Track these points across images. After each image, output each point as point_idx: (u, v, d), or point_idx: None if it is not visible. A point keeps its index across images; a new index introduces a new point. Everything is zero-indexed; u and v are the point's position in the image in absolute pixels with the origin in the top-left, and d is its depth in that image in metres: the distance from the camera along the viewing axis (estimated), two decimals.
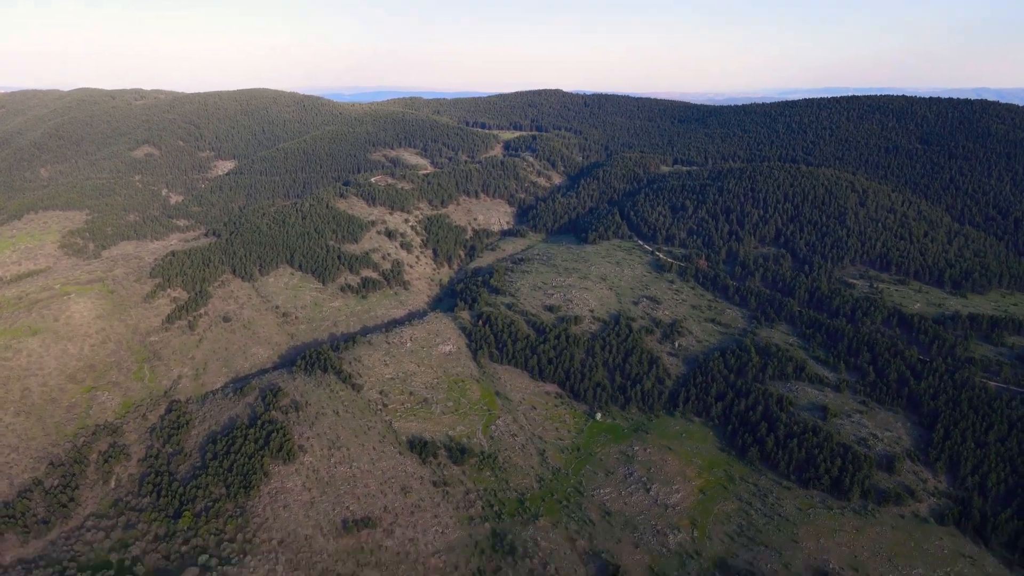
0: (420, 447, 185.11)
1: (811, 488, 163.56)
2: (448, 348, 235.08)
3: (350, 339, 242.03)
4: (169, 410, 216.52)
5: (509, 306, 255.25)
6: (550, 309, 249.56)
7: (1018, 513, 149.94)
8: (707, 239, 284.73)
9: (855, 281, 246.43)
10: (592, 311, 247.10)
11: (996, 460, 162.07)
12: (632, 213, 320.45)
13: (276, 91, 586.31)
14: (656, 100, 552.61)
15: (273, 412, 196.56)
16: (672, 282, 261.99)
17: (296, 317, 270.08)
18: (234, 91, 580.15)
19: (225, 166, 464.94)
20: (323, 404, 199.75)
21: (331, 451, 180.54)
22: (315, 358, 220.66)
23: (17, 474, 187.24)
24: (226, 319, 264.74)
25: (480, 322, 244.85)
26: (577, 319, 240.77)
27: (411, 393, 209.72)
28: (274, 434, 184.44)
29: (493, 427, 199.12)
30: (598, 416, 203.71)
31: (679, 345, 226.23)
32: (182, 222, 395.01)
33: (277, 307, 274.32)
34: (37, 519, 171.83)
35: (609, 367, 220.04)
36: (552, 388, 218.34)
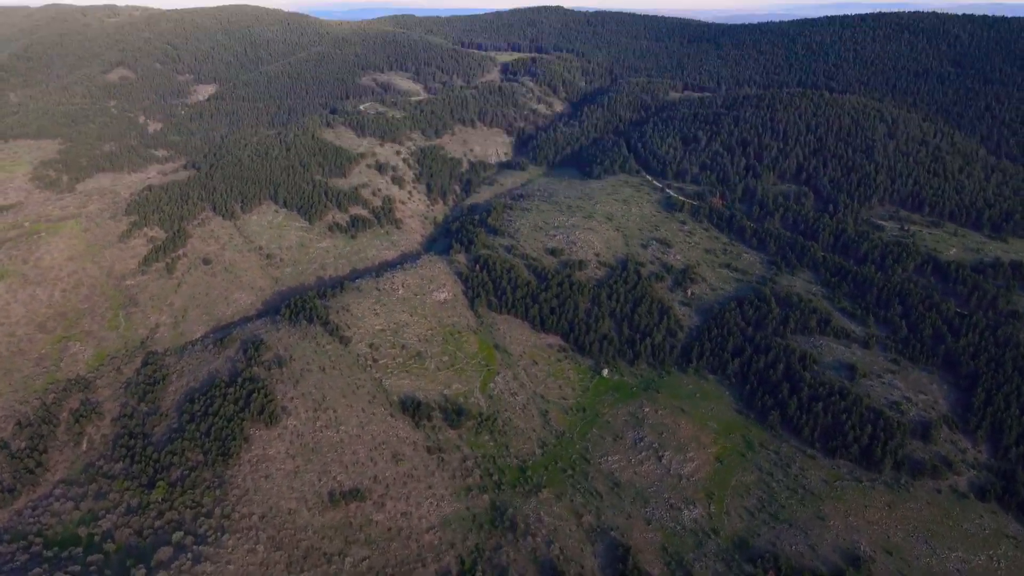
0: (413, 408, 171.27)
1: (838, 458, 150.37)
2: (443, 295, 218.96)
3: (338, 284, 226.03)
4: (145, 363, 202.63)
5: (508, 249, 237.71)
6: (552, 252, 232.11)
7: None
8: (722, 175, 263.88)
9: (884, 223, 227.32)
10: (598, 255, 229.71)
11: None
12: (640, 145, 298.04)
13: (259, 7, 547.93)
14: (664, 18, 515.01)
15: (255, 368, 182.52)
16: (684, 223, 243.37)
17: (281, 259, 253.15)
18: (214, 7, 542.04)
19: (206, 91, 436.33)
20: (308, 359, 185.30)
21: (317, 413, 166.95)
22: (300, 306, 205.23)
23: None
24: (206, 261, 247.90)
25: (477, 267, 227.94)
26: (581, 264, 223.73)
27: (403, 346, 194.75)
28: (255, 394, 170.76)
29: (492, 384, 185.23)
30: (604, 372, 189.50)
31: (692, 294, 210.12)
32: (161, 152, 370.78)
33: (260, 248, 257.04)
34: (3, 487, 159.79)
35: (616, 318, 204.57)
36: (555, 340, 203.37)
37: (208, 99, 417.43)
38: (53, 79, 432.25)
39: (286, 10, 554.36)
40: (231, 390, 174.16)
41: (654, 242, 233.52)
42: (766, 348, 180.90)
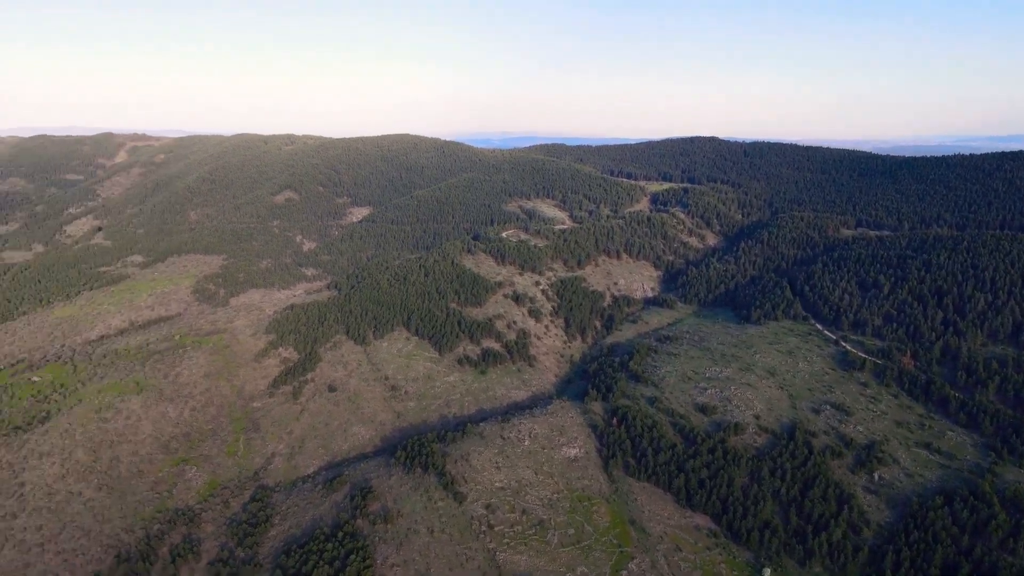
0: None
1: None
2: (574, 451, 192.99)
3: (461, 425, 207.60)
4: (254, 498, 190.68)
5: (651, 401, 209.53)
6: (702, 410, 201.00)
7: None
8: (912, 329, 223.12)
9: None
10: (757, 417, 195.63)
11: None
12: (807, 288, 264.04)
13: (418, 136, 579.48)
14: (829, 149, 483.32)
15: (359, 521, 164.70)
16: (865, 385, 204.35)
17: (406, 392, 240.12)
18: (377, 136, 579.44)
19: (360, 212, 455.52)
20: (417, 516, 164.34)
21: None
22: (417, 450, 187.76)
23: (81, 566, 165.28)
24: (331, 388, 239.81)
25: (615, 420, 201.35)
26: (738, 427, 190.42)
27: (524, 511, 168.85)
28: (353, 555, 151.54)
29: (624, 573, 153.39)
30: (767, 573, 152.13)
31: (880, 479, 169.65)
32: (310, 271, 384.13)
33: (387, 378, 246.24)
34: None
35: (781, 500, 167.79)
36: (703, 521, 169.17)
37: (361, 221, 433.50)
38: (229, 199, 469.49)
39: (446, 138, 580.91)
40: (329, 545, 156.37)
41: (828, 406, 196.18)
42: (992, 569, 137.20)
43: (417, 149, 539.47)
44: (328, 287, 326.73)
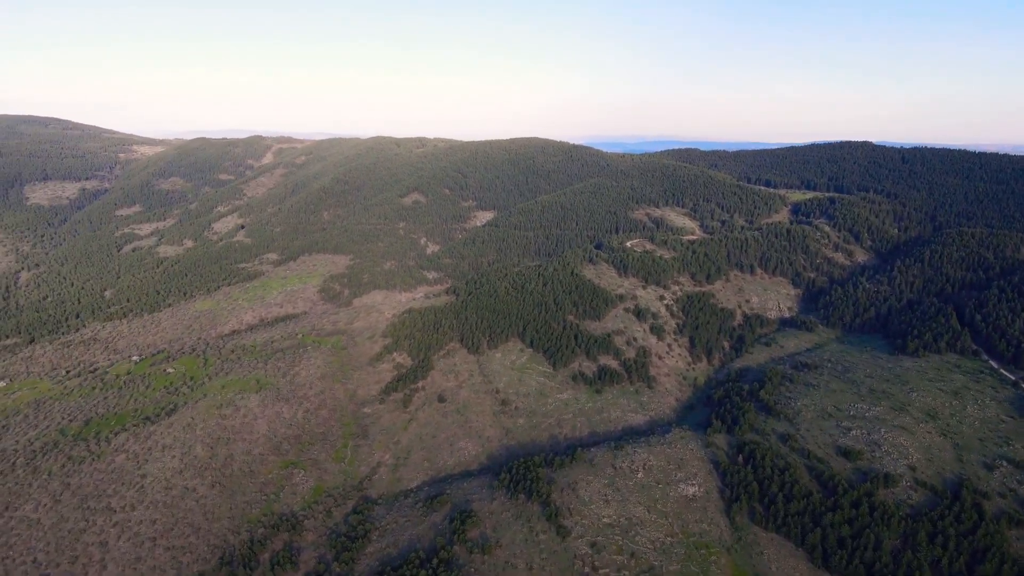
0: None
1: None
2: (692, 489, 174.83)
3: (572, 449, 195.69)
4: (355, 510, 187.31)
5: (784, 438, 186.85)
6: (845, 454, 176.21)
7: None
8: None
9: None
10: (913, 468, 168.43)
11: None
12: (978, 317, 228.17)
13: (545, 140, 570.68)
14: (1009, 156, 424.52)
15: (456, 547, 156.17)
16: None
17: (516, 407, 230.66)
18: (506, 140, 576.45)
19: (484, 216, 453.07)
20: (517, 549, 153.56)
21: None
22: (522, 474, 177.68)
23: (188, 564, 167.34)
24: (441, 399, 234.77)
25: (740, 457, 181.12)
26: (889, 479, 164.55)
27: (633, 554, 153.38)
28: None
29: None
30: None
31: None
32: (432, 274, 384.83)
33: (497, 391, 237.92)
34: None
35: (942, 572, 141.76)
36: None
37: (484, 225, 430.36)
38: (360, 201, 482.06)
39: (572, 142, 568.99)
40: (423, 572, 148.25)
41: (1004, 462, 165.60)
42: None
43: (544, 153, 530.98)
44: (447, 292, 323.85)
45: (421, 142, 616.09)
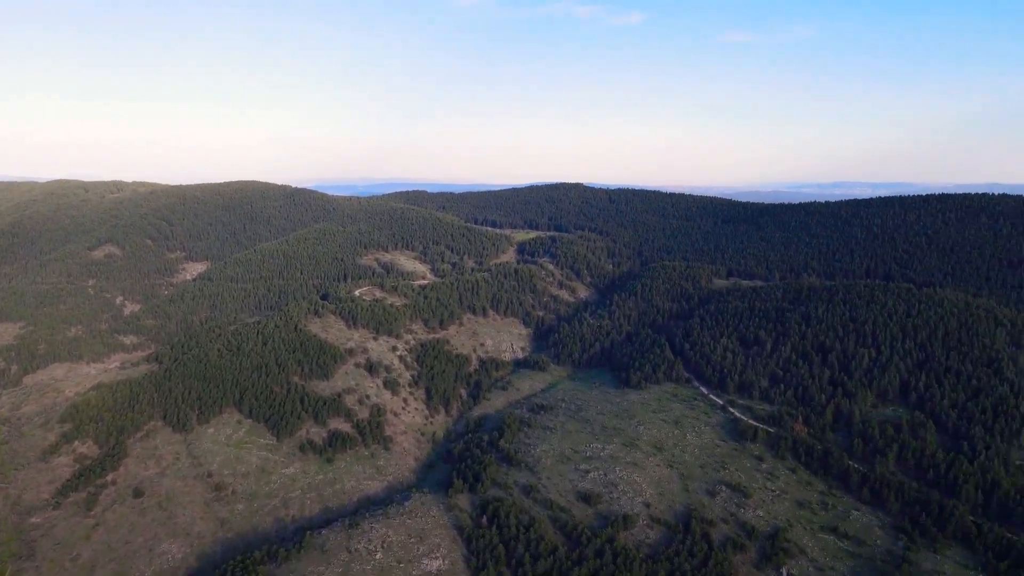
0: None
1: None
2: (436, 564, 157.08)
3: (300, 533, 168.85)
4: None
5: (526, 490, 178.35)
6: (586, 499, 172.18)
7: None
8: (801, 391, 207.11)
9: None
10: (648, 506, 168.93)
11: None
12: (687, 345, 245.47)
13: (266, 184, 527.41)
14: (692, 196, 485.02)
15: None
16: (760, 458, 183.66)
17: (234, 491, 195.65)
18: (220, 183, 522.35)
19: (196, 268, 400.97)
20: None
21: None
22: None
23: None
24: (137, 493, 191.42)
25: (484, 518, 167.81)
26: (627, 520, 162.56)
27: None
28: None
29: None
30: None
31: (788, 575, 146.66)
32: (129, 339, 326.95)
33: (210, 475, 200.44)
34: None
35: None
36: None
37: (195, 279, 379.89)
38: (34, 256, 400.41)
39: (294, 185, 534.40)
40: None
41: (723, 487, 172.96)
42: None
43: (264, 197, 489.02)
44: (148, 359, 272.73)
45: (117, 186, 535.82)
